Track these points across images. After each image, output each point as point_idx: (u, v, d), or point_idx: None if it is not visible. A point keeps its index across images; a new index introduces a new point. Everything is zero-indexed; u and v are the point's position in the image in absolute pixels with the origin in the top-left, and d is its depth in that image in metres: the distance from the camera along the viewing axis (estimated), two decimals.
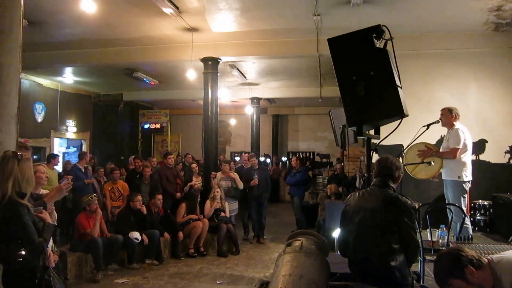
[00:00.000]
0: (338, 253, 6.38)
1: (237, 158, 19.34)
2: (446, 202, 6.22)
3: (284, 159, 22.06)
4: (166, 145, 21.56)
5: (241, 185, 10.45)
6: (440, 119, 6.26)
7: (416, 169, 5.98)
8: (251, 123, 19.38)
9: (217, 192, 10.05)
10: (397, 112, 3.84)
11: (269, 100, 19.66)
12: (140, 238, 8.55)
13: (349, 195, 4.00)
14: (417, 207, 5.12)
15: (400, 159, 5.94)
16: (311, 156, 22.66)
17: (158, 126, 21.03)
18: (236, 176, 10.60)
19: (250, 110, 18.89)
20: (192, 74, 10.76)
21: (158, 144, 22.00)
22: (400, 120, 3.93)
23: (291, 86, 16.94)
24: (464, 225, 5.76)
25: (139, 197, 9.13)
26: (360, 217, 3.69)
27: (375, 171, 3.89)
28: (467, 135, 6.24)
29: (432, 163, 5.82)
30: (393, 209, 3.59)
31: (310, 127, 22.82)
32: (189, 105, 21.31)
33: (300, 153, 22.65)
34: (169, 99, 19.01)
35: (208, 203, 9.98)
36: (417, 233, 3.52)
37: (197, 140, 20.06)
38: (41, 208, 4.01)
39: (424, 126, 5.88)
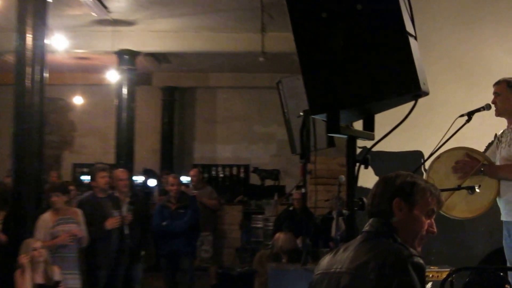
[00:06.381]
0: None
1: (87, 178, 9.09)
2: (508, 263, 4.32)
3: (186, 179, 11.02)
4: None
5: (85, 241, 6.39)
6: (492, 102, 4.40)
7: (450, 199, 4.23)
8: (119, 104, 11.05)
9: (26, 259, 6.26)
10: (406, 85, 2.55)
11: (156, 57, 11.89)
12: None
13: (324, 257, 2.69)
14: (443, 274, 3.74)
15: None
16: (243, 174, 13.88)
17: None
18: (80, 215, 6.47)
19: (115, 77, 11.04)
20: None
21: None
22: (414, 102, 2.61)
23: (201, 29, 10.41)
24: None
25: None
26: None
27: (368, 206, 2.63)
28: None
29: (477, 190, 4.24)
30: (377, 268, 2.32)
31: (241, 115, 14.00)
32: None
33: (221, 168, 13.96)
34: None
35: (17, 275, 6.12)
36: None
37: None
38: None
39: (462, 115, 4.18)
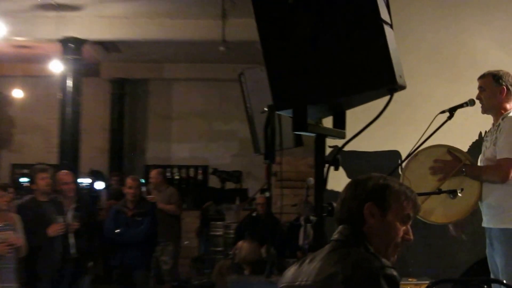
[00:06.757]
0: None
1: (27, 180, 9.60)
2: (492, 275, 4.03)
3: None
4: None
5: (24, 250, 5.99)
6: (477, 97, 4.03)
7: (427, 202, 3.83)
8: (63, 97, 10.53)
9: None
10: (381, 78, 2.44)
11: (105, 45, 11.35)
12: None
13: (289, 268, 2.54)
14: (422, 287, 3.78)
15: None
16: (201, 176, 13.25)
17: None
18: (18, 222, 6.05)
19: (59, 68, 10.41)
20: None
21: None
22: (389, 97, 2.45)
23: (155, 15, 9.89)
24: None
25: None
26: None
27: (337, 211, 2.50)
28: None
29: (459, 194, 3.71)
30: (346, 281, 2.19)
31: (199, 110, 13.32)
32: None
33: (176, 169, 13.32)
34: None
35: None
36: None
37: None
38: None
39: (443, 111, 3.84)
